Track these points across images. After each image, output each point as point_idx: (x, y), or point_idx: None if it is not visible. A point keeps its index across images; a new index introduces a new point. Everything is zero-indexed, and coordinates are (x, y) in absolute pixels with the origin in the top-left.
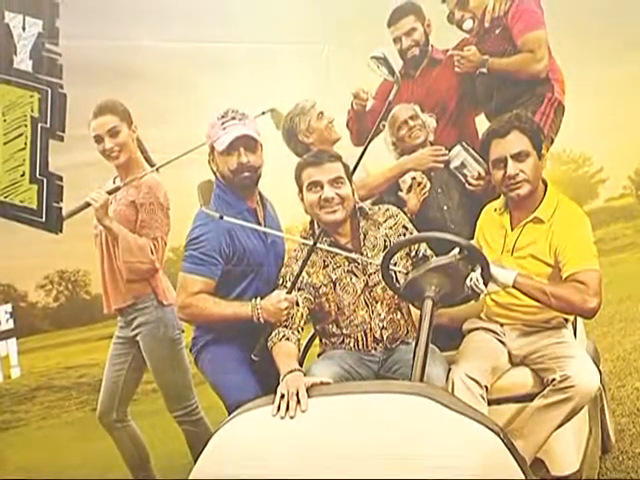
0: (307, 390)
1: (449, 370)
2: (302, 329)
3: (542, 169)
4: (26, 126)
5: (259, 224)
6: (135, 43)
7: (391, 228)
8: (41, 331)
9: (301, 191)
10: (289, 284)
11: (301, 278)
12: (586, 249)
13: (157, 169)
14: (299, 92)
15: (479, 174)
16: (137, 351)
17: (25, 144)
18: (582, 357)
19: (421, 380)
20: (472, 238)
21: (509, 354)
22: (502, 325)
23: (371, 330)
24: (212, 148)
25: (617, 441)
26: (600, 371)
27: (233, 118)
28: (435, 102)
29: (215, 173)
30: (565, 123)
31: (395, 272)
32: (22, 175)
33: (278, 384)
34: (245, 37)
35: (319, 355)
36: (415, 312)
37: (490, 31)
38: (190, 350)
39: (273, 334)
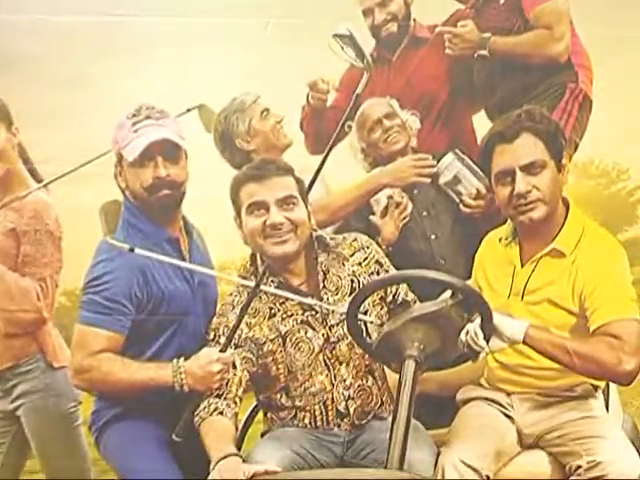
0: None
1: (438, 454)
2: (240, 400)
3: (563, 185)
4: None
5: (183, 259)
6: (15, 17)
7: (360, 264)
8: None
9: (239, 215)
10: (223, 339)
11: (239, 331)
12: (621, 292)
13: (45, 185)
14: (236, 82)
15: (478, 192)
16: (18, 430)
17: None
18: (617, 437)
19: (400, 468)
20: (469, 278)
21: (519, 433)
22: (509, 394)
23: (333, 401)
24: (120, 157)
25: None
26: None
27: (148, 117)
28: (419, 95)
29: (124, 191)
30: (593, 124)
31: (366, 323)
32: None
33: (208, 473)
34: (164, 8)
35: (263, 434)
36: (393, 377)
37: (492, 0)
38: (89, 428)
39: (202, 407)
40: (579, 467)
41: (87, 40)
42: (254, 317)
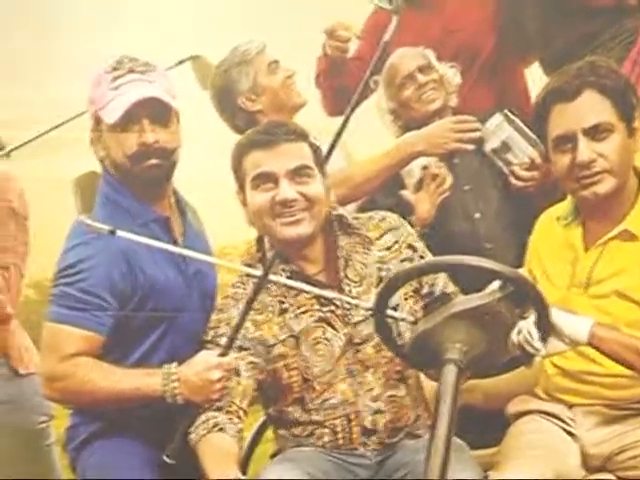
0: None
1: (485, 478)
2: (246, 414)
3: (634, 152)
4: None
5: (175, 243)
6: None
7: (389, 249)
8: None
9: (243, 189)
10: (224, 340)
11: (243, 331)
12: None
13: (8, 154)
14: (238, 29)
15: (531, 161)
16: None
17: None
18: None
19: None
20: (521, 265)
21: (583, 453)
22: (571, 407)
23: (358, 415)
24: (98, 120)
25: None
26: None
27: (131, 71)
28: (460, 44)
29: (103, 161)
30: None
31: (396, 321)
32: None
33: None
34: None
35: (273, 456)
36: (429, 385)
37: None
38: (64, 448)
39: (199, 422)
40: None
41: None
42: (261, 313)
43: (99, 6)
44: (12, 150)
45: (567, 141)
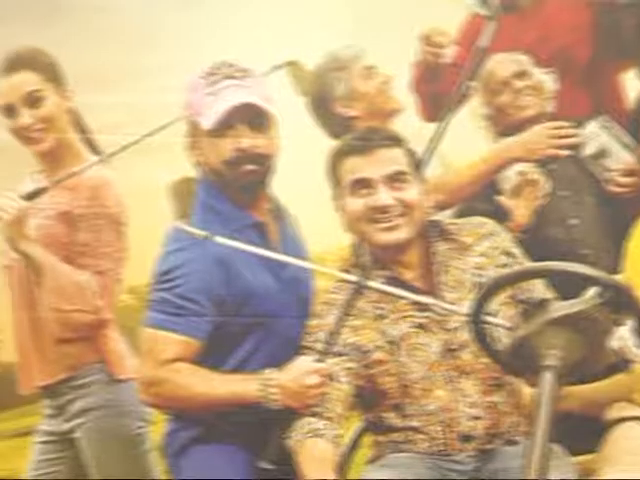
0: None
1: None
2: (344, 419)
3: None
4: None
5: (271, 249)
6: None
7: (486, 255)
8: None
9: (338, 195)
10: (321, 346)
11: (340, 336)
12: None
13: (105, 160)
14: (334, 34)
15: (629, 167)
16: (74, 455)
17: None
18: None
19: None
20: (617, 272)
21: None
22: None
23: (455, 421)
24: (194, 125)
25: None
26: None
27: (228, 76)
28: (556, 50)
29: (199, 166)
30: None
31: (494, 327)
32: None
33: None
34: None
35: (371, 461)
36: (528, 392)
37: None
38: (162, 453)
39: (296, 428)
40: None
41: None
42: (358, 319)
43: (194, 13)
44: (110, 155)
45: None
